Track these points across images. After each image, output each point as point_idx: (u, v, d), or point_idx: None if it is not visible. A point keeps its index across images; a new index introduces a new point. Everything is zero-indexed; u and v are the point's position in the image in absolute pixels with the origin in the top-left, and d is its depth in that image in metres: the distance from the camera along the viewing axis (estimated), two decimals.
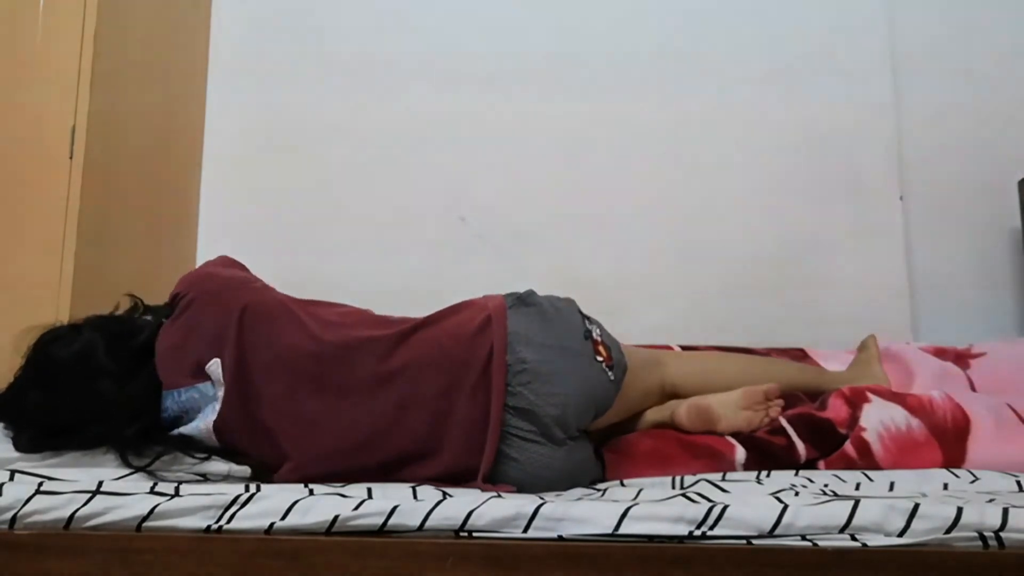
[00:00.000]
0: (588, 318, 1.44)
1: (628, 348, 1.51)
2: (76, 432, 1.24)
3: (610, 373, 1.38)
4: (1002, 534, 0.89)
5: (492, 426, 1.25)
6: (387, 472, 1.26)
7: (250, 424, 1.27)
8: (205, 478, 1.18)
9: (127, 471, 1.16)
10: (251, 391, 1.28)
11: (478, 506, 0.97)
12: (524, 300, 1.40)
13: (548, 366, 1.30)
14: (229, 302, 1.33)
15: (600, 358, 1.37)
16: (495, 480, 1.25)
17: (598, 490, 1.27)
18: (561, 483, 1.29)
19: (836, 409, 1.49)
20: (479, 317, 1.34)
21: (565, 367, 1.32)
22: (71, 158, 1.91)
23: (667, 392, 1.56)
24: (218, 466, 1.23)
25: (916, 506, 0.91)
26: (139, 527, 0.99)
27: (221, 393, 1.27)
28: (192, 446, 1.25)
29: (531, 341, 1.31)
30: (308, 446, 1.26)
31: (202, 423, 1.27)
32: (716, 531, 0.93)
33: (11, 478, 1.07)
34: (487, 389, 1.27)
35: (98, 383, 1.26)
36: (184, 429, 1.28)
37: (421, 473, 1.26)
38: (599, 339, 1.40)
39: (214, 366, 1.28)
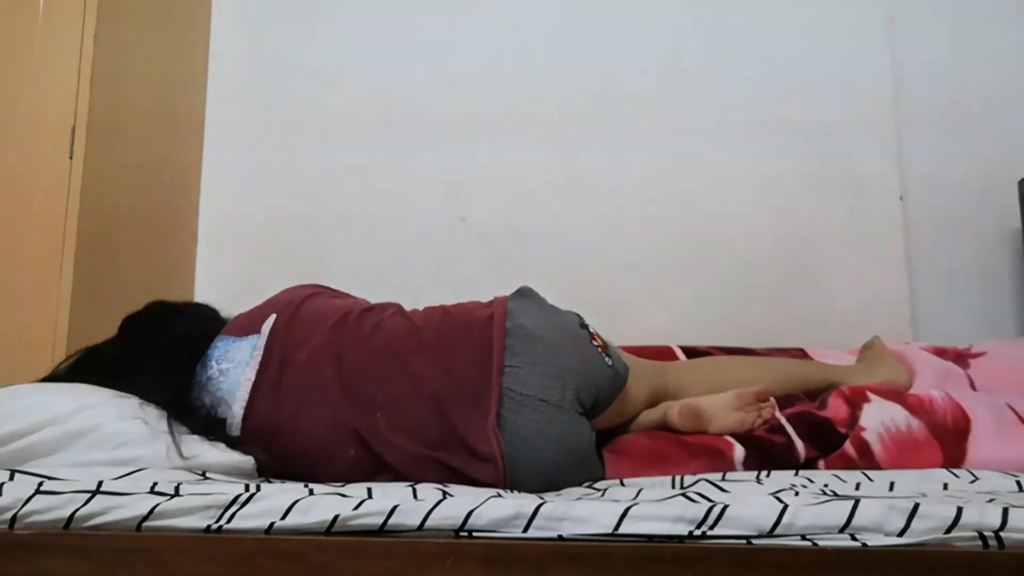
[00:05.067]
0: (576, 315, 1.49)
1: (631, 357, 1.54)
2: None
3: (607, 359, 1.40)
4: (1002, 534, 0.89)
5: (495, 360, 1.31)
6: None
7: (278, 386, 1.33)
8: (204, 475, 1.18)
9: (127, 471, 1.16)
10: (289, 346, 1.36)
11: (478, 506, 0.97)
12: (523, 292, 1.49)
13: (546, 333, 1.37)
14: (306, 287, 1.53)
15: (596, 343, 1.41)
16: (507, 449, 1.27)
17: (598, 490, 1.27)
18: (556, 460, 1.29)
19: (836, 408, 1.50)
20: (482, 302, 1.46)
21: (562, 339, 1.38)
22: (71, 158, 1.91)
23: (671, 396, 1.57)
24: (217, 455, 1.24)
25: (916, 506, 0.91)
26: (139, 527, 0.99)
27: (263, 343, 1.37)
28: (212, 430, 1.30)
29: (529, 314, 1.39)
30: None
31: (239, 390, 1.33)
32: (716, 531, 0.92)
33: (11, 478, 1.07)
34: (487, 345, 1.33)
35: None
36: (221, 389, 1.34)
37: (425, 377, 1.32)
38: (595, 332, 1.45)
39: (269, 321, 1.40)
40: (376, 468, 1.29)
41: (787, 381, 1.64)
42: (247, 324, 1.42)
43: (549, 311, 1.45)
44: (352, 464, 1.30)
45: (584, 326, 1.44)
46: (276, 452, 1.32)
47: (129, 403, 1.28)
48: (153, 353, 1.39)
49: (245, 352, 1.37)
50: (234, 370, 1.35)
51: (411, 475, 1.27)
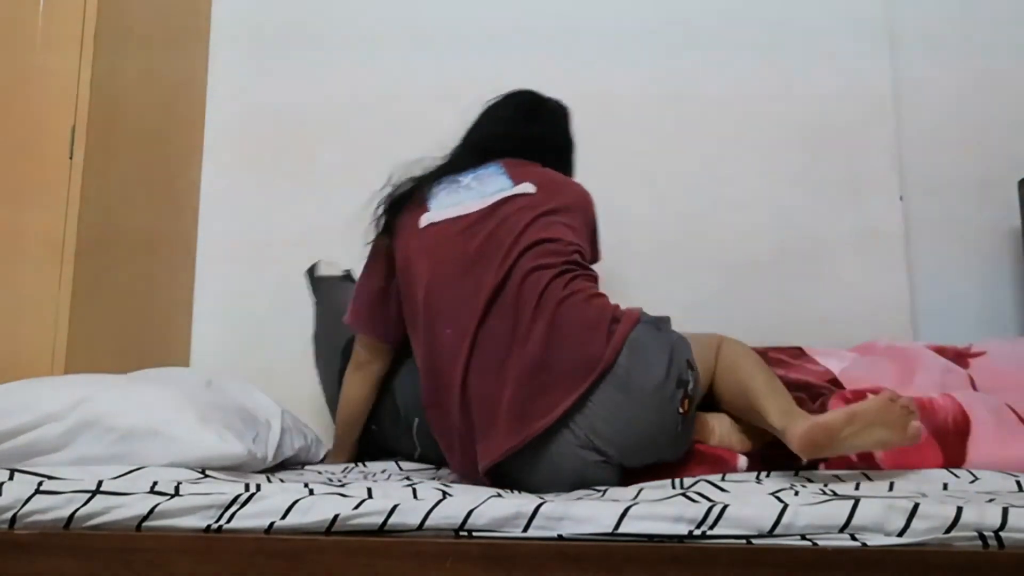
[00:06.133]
0: (693, 367, 1.38)
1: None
2: None
3: (680, 425, 1.35)
4: (1002, 534, 0.89)
5: (581, 386, 1.28)
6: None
7: (474, 236, 1.42)
8: (204, 474, 1.18)
9: (128, 469, 1.15)
10: (509, 218, 1.44)
11: (478, 505, 0.97)
12: (658, 322, 1.42)
13: (641, 389, 1.30)
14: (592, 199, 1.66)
15: (681, 410, 1.34)
16: (524, 450, 1.29)
17: (598, 490, 1.27)
18: (567, 485, 1.31)
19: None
20: (618, 309, 1.39)
21: (651, 405, 1.31)
22: (71, 158, 1.91)
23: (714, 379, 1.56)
24: (216, 446, 1.24)
25: (916, 506, 0.91)
26: (139, 527, 0.99)
27: (505, 195, 1.48)
28: (408, 206, 1.53)
29: (641, 357, 1.32)
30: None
31: (456, 207, 1.47)
32: (716, 530, 0.92)
33: (11, 477, 1.07)
34: (587, 363, 1.29)
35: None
36: (456, 194, 1.51)
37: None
38: (690, 392, 1.36)
39: (524, 187, 1.50)
40: (438, 374, 1.34)
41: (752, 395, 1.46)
42: (518, 173, 1.53)
43: (662, 358, 1.34)
44: (439, 343, 1.35)
45: (682, 383, 1.34)
46: (408, 272, 1.44)
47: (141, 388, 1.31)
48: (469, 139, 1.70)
49: (493, 188, 1.49)
50: (475, 190, 1.48)
51: (453, 417, 1.34)
